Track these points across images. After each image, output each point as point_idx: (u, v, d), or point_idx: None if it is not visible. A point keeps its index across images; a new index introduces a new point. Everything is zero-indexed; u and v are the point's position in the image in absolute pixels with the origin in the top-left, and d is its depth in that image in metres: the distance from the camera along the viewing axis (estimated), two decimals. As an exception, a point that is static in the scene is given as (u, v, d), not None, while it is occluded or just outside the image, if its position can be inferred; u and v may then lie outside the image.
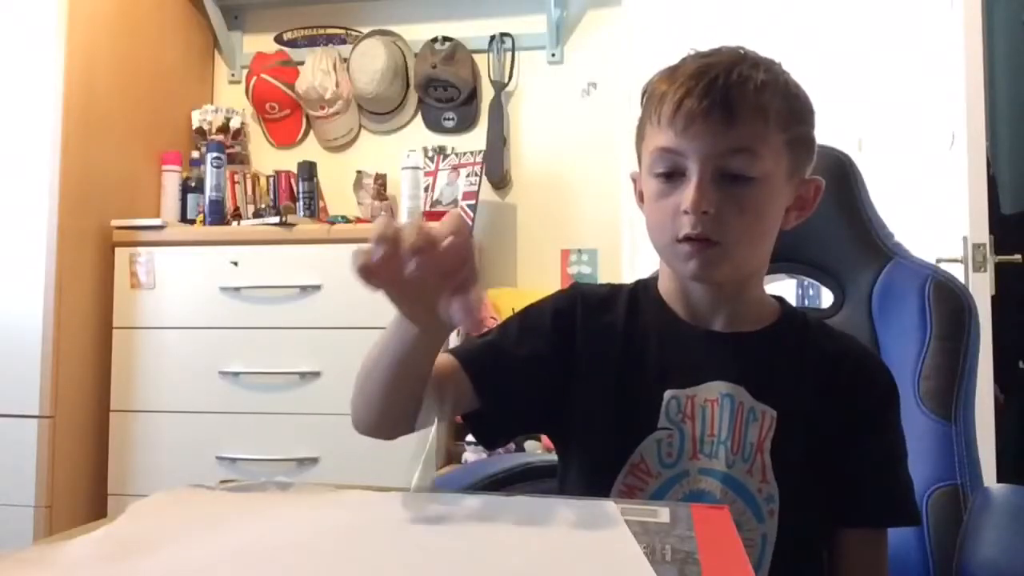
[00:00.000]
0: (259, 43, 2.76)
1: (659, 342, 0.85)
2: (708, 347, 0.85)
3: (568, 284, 2.65)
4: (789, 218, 0.85)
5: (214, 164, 2.35)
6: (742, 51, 0.81)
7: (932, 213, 2.25)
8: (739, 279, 0.84)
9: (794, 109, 0.81)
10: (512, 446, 1.76)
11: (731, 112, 0.76)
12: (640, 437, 0.81)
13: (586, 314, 0.87)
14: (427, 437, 0.68)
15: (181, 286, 2.18)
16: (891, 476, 0.84)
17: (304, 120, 2.70)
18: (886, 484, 0.84)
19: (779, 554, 0.80)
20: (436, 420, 0.73)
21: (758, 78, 0.78)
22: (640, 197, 0.88)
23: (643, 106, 0.84)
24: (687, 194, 0.77)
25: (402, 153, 2.39)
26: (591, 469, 0.85)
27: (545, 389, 0.84)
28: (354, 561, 0.43)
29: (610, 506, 0.55)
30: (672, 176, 0.80)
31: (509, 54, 2.58)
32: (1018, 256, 2.16)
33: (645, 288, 0.91)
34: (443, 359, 0.80)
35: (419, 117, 2.65)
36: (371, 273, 0.58)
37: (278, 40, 2.76)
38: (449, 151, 2.53)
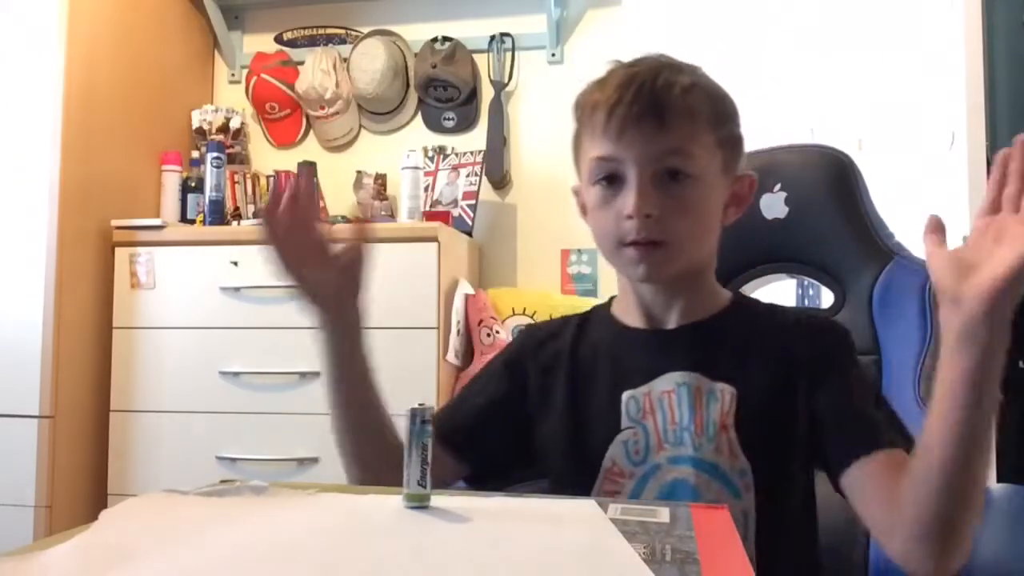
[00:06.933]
0: (259, 43, 2.76)
1: (610, 352, 0.89)
2: (661, 346, 0.87)
3: (567, 285, 2.63)
4: (728, 214, 0.88)
5: (214, 164, 2.35)
6: (664, 58, 0.85)
7: (932, 213, 2.25)
8: (689, 275, 0.86)
9: (719, 111, 0.84)
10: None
11: (661, 116, 0.79)
12: (607, 442, 0.83)
13: (534, 351, 0.93)
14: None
15: (181, 286, 2.18)
16: (867, 410, 0.81)
17: (304, 120, 2.70)
18: (866, 418, 0.81)
19: (764, 531, 0.80)
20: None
21: (683, 81, 0.81)
22: (583, 210, 0.92)
23: (577, 118, 0.88)
24: (628, 199, 0.80)
25: (402, 153, 2.39)
26: (567, 488, 0.86)
27: (509, 429, 0.91)
28: (339, 564, 0.43)
29: (596, 505, 0.55)
30: (612, 181, 0.83)
31: (509, 54, 2.58)
32: (1018, 256, 2.15)
33: (598, 309, 0.96)
34: None
35: (419, 117, 2.65)
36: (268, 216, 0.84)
37: (278, 40, 2.76)
38: (449, 151, 2.52)
